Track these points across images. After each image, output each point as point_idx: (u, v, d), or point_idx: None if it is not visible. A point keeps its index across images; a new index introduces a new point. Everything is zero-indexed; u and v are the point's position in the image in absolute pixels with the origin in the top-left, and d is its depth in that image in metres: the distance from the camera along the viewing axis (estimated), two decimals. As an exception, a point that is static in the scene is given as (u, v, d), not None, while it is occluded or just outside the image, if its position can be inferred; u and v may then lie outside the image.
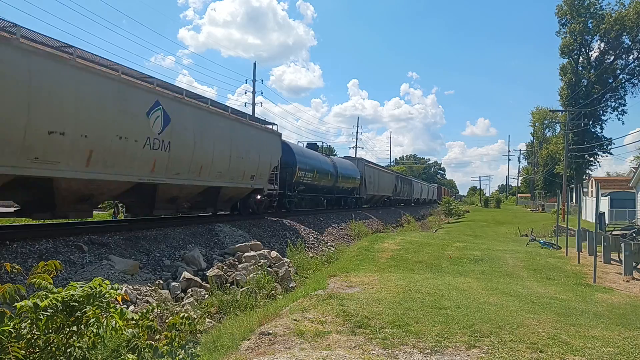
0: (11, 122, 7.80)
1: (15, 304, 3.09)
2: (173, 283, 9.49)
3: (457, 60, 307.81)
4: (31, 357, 3.14)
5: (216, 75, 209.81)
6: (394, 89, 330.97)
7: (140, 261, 9.92)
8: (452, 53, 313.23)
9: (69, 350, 3.21)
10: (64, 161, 8.84)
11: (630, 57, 57.08)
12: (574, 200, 37.78)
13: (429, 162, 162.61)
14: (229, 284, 10.32)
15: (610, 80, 56.87)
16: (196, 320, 7.26)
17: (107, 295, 3.37)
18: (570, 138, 45.89)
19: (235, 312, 8.66)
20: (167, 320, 4.85)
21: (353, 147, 72.86)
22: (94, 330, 3.23)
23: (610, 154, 64.44)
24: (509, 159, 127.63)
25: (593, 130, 58.22)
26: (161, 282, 9.40)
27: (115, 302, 3.73)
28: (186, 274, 9.88)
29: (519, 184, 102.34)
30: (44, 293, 3.24)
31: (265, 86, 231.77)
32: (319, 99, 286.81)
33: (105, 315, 3.29)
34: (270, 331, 5.81)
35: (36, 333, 3.20)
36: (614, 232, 16.32)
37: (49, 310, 3.12)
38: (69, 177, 9.13)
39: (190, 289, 9.50)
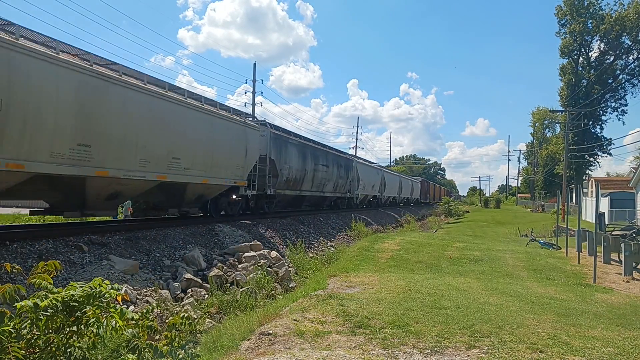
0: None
1: (15, 304, 3.09)
2: (173, 283, 9.49)
3: (457, 61, 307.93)
4: (31, 357, 3.14)
5: (216, 76, 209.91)
6: (393, 89, 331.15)
7: (140, 261, 9.92)
8: (452, 53, 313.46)
9: (69, 350, 3.21)
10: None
11: (630, 58, 57.22)
12: (573, 201, 37.79)
13: (429, 163, 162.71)
14: (229, 284, 10.32)
15: (610, 81, 56.93)
16: (196, 320, 7.27)
17: (107, 295, 3.37)
18: (570, 138, 45.90)
19: (235, 312, 8.66)
20: (167, 320, 4.85)
21: (353, 147, 72.82)
22: (94, 330, 3.23)
23: (610, 154, 64.69)
24: (509, 159, 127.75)
25: (593, 130, 58.34)
26: (161, 282, 9.40)
27: (115, 302, 3.73)
28: (186, 274, 9.88)
29: (519, 184, 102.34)
30: (43, 293, 3.24)
31: (265, 86, 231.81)
32: (319, 99, 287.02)
33: (105, 315, 3.29)
34: (270, 331, 5.81)
35: (36, 333, 3.20)
36: (613, 233, 16.32)
37: (49, 311, 3.12)
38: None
39: (190, 289, 9.50)
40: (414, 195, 56.77)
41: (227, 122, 14.90)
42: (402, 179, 50.00)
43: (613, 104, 58.96)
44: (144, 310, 3.81)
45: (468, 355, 5.10)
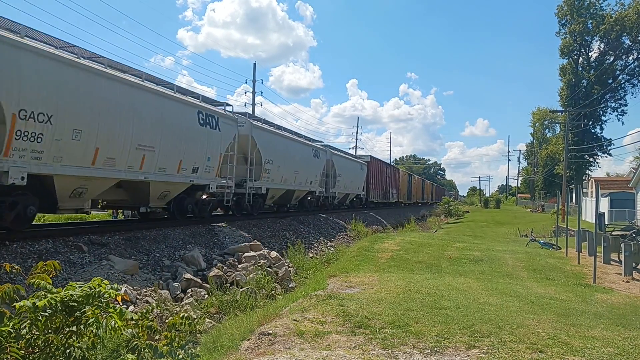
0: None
1: (15, 304, 3.09)
2: (173, 283, 9.49)
3: (456, 61, 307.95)
4: (30, 357, 3.13)
5: (216, 76, 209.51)
6: (393, 89, 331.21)
7: (140, 261, 9.92)
8: (451, 54, 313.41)
9: (68, 350, 3.20)
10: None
11: (630, 58, 57.29)
12: (573, 201, 37.79)
13: (429, 163, 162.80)
14: (228, 284, 10.32)
15: (610, 81, 56.94)
16: (196, 320, 7.25)
17: (106, 296, 3.36)
18: (570, 138, 45.90)
19: (235, 312, 8.66)
20: (167, 321, 4.85)
21: (353, 147, 72.71)
22: (94, 331, 3.22)
23: (610, 154, 64.66)
24: (509, 159, 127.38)
25: (593, 130, 58.37)
26: (161, 282, 9.40)
27: (115, 302, 3.72)
28: (186, 274, 9.88)
29: (519, 185, 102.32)
30: (43, 293, 3.23)
31: (265, 86, 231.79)
32: (319, 99, 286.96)
33: (104, 316, 3.29)
34: (270, 331, 5.80)
35: (35, 333, 3.19)
36: (613, 233, 16.31)
37: (47, 311, 3.11)
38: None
39: (190, 289, 9.50)
40: (347, 188, 29.73)
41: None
42: (301, 148, 23.35)
43: (613, 104, 59.06)
44: (144, 311, 3.81)
45: (468, 355, 5.10)
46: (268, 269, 11.82)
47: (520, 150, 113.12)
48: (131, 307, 7.31)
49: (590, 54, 58.75)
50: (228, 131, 15.17)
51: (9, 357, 2.85)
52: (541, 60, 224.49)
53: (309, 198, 24.26)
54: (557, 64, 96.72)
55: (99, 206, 12.86)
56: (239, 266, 11.72)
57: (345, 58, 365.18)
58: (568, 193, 32.72)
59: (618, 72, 58.07)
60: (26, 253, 8.45)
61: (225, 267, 11.41)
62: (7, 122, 8.00)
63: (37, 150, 8.62)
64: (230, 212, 17.43)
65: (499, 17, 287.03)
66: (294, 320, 6.30)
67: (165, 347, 3.52)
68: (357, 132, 75.87)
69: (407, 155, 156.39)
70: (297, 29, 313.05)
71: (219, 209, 17.61)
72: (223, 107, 15.70)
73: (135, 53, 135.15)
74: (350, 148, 71.70)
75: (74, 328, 3.28)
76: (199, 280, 9.98)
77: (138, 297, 8.21)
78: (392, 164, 64.57)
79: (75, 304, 3.23)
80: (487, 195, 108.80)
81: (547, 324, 6.48)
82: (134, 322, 3.58)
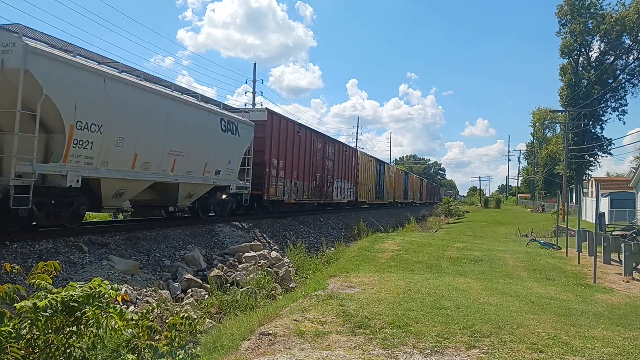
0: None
1: (15, 304, 3.09)
2: (173, 283, 9.49)
3: (456, 61, 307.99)
4: (31, 358, 3.13)
5: (216, 76, 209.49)
6: (393, 89, 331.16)
7: (140, 261, 9.92)
8: (451, 54, 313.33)
9: (68, 350, 3.20)
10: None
11: (631, 57, 57.16)
12: (573, 201, 37.78)
13: (429, 163, 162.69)
14: (229, 284, 10.32)
15: (610, 81, 56.89)
16: (196, 320, 7.28)
17: (106, 296, 3.36)
18: (570, 138, 45.88)
19: (235, 313, 8.66)
20: (167, 321, 4.84)
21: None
22: (94, 331, 3.22)
23: (610, 154, 64.74)
24: (509, 159, 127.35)
25: (593, 130, 58.31)
26: (161, 282, 9.40)
27: (115, 302, 3.72)
28: (186, 274, 9.89)
29: (519, 184, 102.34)
30: (43, 293, 3.23)
31: (265, 87, 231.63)
32: (319, 100, 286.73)
33: (104, 316, 3.28)
34: (270, 331, 5.81)
35: (36, 333, 3.19)
36: (614, 233, 16.31)
37: (48, 311, 3.11)
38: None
39: (190, 289, 9.50)
40: (153, 171, 11.09)
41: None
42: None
43: (613, 104, 58.95)
44: (144, 311, 3.81)
45: (468, 356, 5.10)
46: (268, 269, 11.83)
47: (520, 150, 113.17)
48: (131, 307, 7.32)
49: (590, 53, 58.67)
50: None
51: (9, 357, 2.85)
52: (541, 60, 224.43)
53: None
54: (557, 63, 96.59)
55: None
56: (239, 266, 11.73)
57: (345, 58, 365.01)
58: (568, 193, 32.72)
59: (618, 72, 57.97)
60: (26, 253, 8.45)
61: (225, 267, 11.42)
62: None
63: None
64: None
65: (498, 17, 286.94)
66: (294, 320, 6.31)
67: (165, 347, 3.52)
68: (357, 132, 75.89)
69: (407, 155, 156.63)
70: (297, 29, 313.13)
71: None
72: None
73: (135, 53, 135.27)
74: (350, 148, 71.24)
75: (74, 328, 3.28)
76: (199, 280, 9.98)
77: (138, 297, 8.21)
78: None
79: (76, 304, 3.23)
80: (487, 195, 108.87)
81: (547, 324, 6.48)
82: (134, 322, 3.58)
